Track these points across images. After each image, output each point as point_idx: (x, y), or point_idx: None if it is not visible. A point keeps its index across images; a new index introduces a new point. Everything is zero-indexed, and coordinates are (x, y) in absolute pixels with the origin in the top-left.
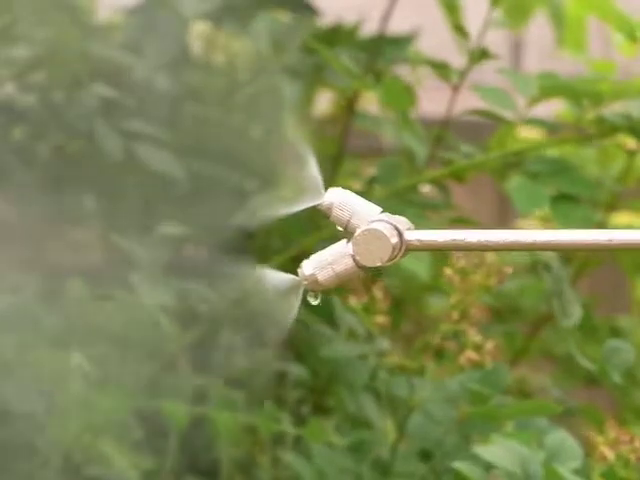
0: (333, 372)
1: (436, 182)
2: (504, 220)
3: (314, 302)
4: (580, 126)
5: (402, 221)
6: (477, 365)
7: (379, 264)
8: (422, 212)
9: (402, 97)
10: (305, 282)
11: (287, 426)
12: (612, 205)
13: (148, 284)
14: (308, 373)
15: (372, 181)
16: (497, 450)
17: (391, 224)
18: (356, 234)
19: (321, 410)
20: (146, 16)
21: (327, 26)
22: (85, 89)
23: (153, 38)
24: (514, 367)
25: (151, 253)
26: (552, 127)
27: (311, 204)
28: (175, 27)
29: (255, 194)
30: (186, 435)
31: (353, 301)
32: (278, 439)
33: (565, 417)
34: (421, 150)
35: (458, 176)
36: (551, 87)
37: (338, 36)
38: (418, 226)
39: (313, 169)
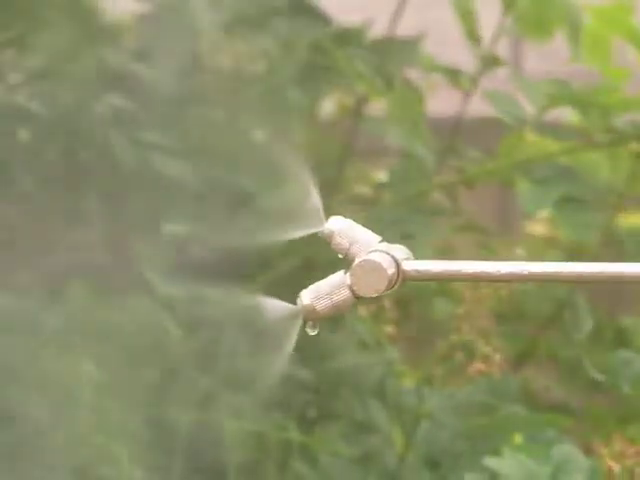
0: (340, 377)
1: (445, 189)
2: (506, 221)
3: (312, 332)
4: (590, 133)
5: (400, 251)
6: (486, 375)
7: (375, 295)
8: (430, 218)
9: (412, 104)
10: (303, 312)
11: (294, 434)
12: (620, 207)
13: (162, 279)
14: (314, 377)
15: (381, 187)
16: (505, 462)
17: (389, 254)
18: (353, 265)
19: (327, 415)
20: (158, 24)
21: (334, 29)
22: (97, 97)
23: (165, 46)
24: (518, 369)
25: (161, 253)
26: (561, 134)
27: (312, 231)
28: (188, 36)
29: (253, 212)
30: (192, 441)
31: (362, 310)
32: (285, 446)
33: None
34: (430, 157)
35: (467, 183)
36: (561, 96)
37: (346, 38)
38: (426, 233)
39: (314, 196)
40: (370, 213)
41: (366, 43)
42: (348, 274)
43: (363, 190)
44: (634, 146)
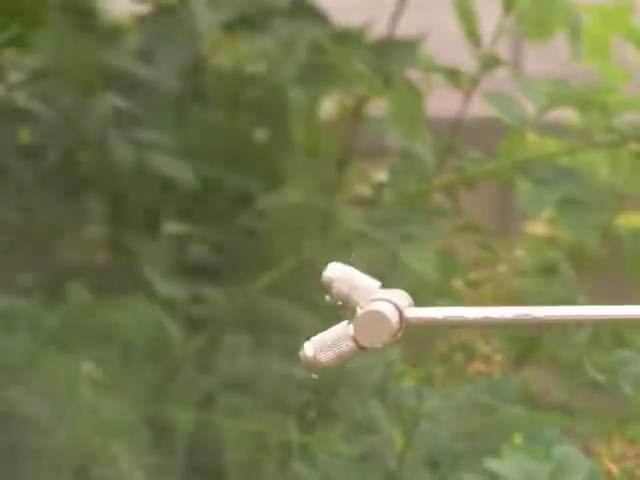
0: (340, 377)
1: (446, 189)
2: (506, 222)
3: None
4: (590, 133)
5: (402, 297)
6: (486, 376)
7: (379, 345)
8: (430, 219)
9: (411, 104)
10: (307, 364)
11: (294, 434)
12: (620, 207)
13: (161, 279)
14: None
15: (381, 187)
16: (505, 463)
17: (391, 303)
18: (357, 316)
19: (327, 415)
20: (159, 25)
21: (334, 29)
22: (97, 97)
23: (166, 46)
24: (518, 370)
25: (161, 253)
26: (561, 134)
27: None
28: (189, 36)
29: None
30: (192, 441)
31: None
32: (285, 446)
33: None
34: (429, 157)
35: (467, 183)
36: (561, 96)
37: (345, 39)
38: (426, 233)
39: None
40: (370, 213)
41: (366, 43)
42: (351, 325)
43: (363, 190)
44: (634, 146)
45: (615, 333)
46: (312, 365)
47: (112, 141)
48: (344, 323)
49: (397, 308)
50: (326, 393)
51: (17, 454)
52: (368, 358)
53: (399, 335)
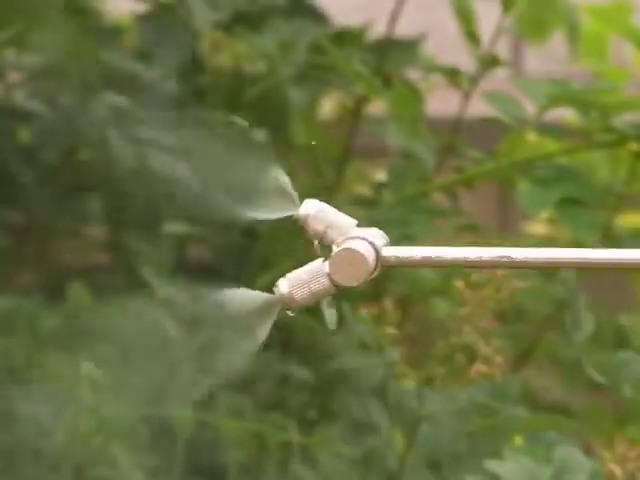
0: (340, 378)
1: (446, 189)
2: (506, 221)
3: (291, 314)
4: (589, 133)
5: (378, 236)
6: (487, 377)
7: (355, 284)
8: (430, 218)
9: (411, 104)
10: (282, 301)
11: (294, 434)
12: (619, 207)
13: (161, 279)
14: (314, 377)
15: (381, 187)
16: (506, 464)
17: (368, 241)
18: (333, 254)
19: (327, 415)
20: (158, 24)
21: (334, 29)
22: (96, 96)
23: (165, 46)
24: (518, 370)
25: (161, 253)
26: (561, 133)
27: (287, 214)
28: (187, 35)
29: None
30: (192, 441)
31: (363, 311)
32: (285, 446)
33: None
34: (429, 157)
35: (467, 182)
36: (561, 96)
37: (345, 39)
38: (427, 233)
39: (283, 178)
40: (370, 213)
41: (365, 43)
42: (327, 262)
43: (363, 190)
44: (634, 146)
45: (615, 333)
46: (287, 302)
47: (112, 141)
48: (319, 260)
49: (373, 246)
50: (326, 393)
51: (17, 454)
52: (368, 358)
53: (375, 274)
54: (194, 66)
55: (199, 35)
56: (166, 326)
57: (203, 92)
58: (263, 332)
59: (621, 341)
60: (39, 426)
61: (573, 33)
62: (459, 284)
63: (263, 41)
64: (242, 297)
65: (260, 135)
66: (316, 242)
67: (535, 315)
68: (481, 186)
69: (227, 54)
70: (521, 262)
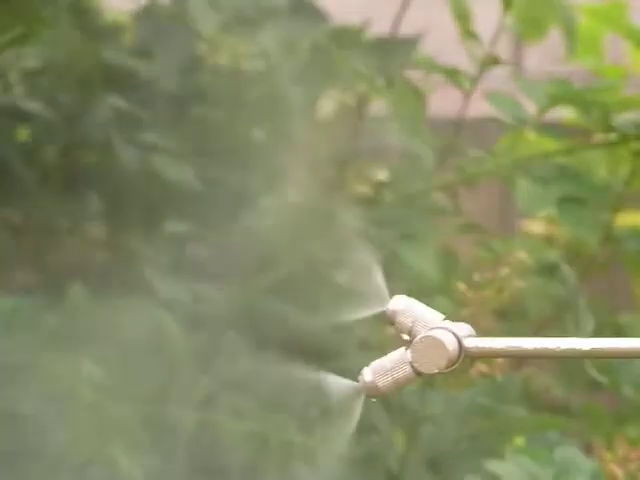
0: (339, 375)
1: (446, 188)
2: (505, 220)
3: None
4: (589, 132)
5: (463, 328)
6: (487, 377)
7: (437, 371)
8: (430, 218)
9: (412, 103)
10: (366, 389)
11: (294, 434)
12: (619, 207)
13: (161, 279)
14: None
15: (382, 187)
16: (507, 465)
17: (450, 331)
18: (414, 341)
19: (327, 414)
20: (157, 23)
21: (334, 28)
22: (97, 95)
23: (164, 44)
24: (519, 368)
25: (161, 252)
26: (561, 132)
27: (375, 311)
28: (186, 34)
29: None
30: (192, 441)
31: None
32: (284, 445)
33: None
34: (430, 157)
35: (468, 182)
36: (561, 95)
37: (345, 38)
38: (426, 232)
39: (379, 277)
40: (370, 213)
41: (366, 43)
42: (409, 350)
43: (363, 189)
44: (634, 145)
45: (616, 333)
46: (370, 390)
47: (112, 141)
48: (402, 349)
49: (455, 336)
50: (326, 395)
51: (17, 454)
52: (370, 358)
53: (458, 364)
54: (193, 65)
55: (199, 34)
56: (167, 325)
57: (203, 91)
58: (352, 419)
59: None
60: (39, 426)
61: (569, 32)
62: (460, 284)
63: (263, 41)
64: (329, 383)
65: (260, 135)
66: (404, 336)
67: (535, 315)
68: (481, 186)
69: (227, 53)
70: (599, 351)
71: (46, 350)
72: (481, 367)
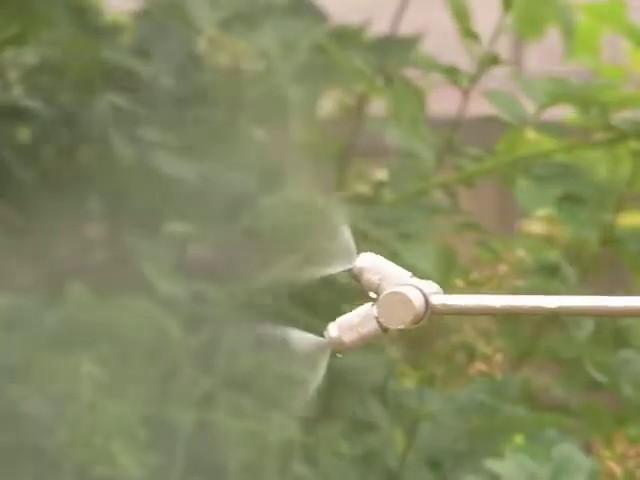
0: (341, 377)
1: (445, 187)
2: (505, 219)
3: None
4: (589, 131)
5: (429, 285)
6: (487, 376)
7: (402, 327)
8: (430, 217)
9: (411, 102)
10: (331, 344)
11: (294, 434)
12: (620, 206)
13: (161, 278)
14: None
15: (381, 186)
16: (506, 463)
17: (417, 288)
18: (381, 297)
19: (328, 415)
20: (156, 22)
21: (334, 28)
22: (96, 94)
23: (164, 43)
24: (518, 368)
25: (161, 252)
26: (560, 131)
27: (343, 269)
28: (186, 33)
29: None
30: (192, 441)
31: None
32: (284, 445)
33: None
34: (429, 156)
35: (467, 181)
36: (560, 93)
37: (345, 37)
38: (425, 232)
39: (347, 235)
40: (370, 212)
41: (365, 42)
42: (375, 306)
43: (363, 189)
44: (633, 144)
45: (616, 333)
46: (336, 345)
47: (113, 139)
48: (368, 305)
49: (422, 293)
50: (327, 393)
51: (17, 454)
52: (368, 358)
53: (424, 321)
54: (193, 64)
55: (198, 33)
56: (166, 325)
57: (202, 91)
58: (317, 374)
59: (621, 341)
60: (39, 425)
61: (568, 31)
62: (459, 283)
63: (263, 40)
64: (294, 339)
65: (260, 135)
66: (371, 293)
67: (535, 315)
68: (481, 185)
69: (227, 53)
70: (566, 309)
71: (46, 350)
72: (480, 366)
